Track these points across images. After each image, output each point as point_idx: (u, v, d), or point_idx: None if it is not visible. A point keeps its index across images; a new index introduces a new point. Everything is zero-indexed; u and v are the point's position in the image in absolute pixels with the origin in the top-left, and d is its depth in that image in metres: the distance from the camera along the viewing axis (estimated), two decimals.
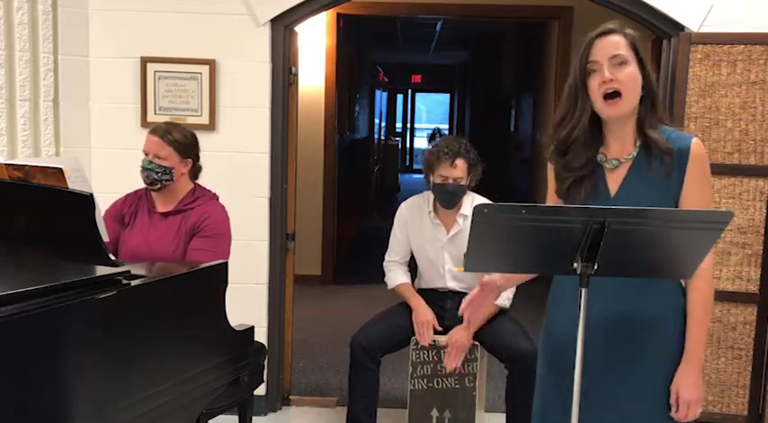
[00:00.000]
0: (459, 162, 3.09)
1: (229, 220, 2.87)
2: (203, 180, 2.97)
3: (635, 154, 1.97)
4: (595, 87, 1.91)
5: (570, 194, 1.99)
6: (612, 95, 1.90)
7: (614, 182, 1.98)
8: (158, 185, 2.79)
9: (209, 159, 3.27)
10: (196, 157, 2.89)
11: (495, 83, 10.92)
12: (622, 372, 1.96)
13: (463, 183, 3.13)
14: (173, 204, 2.85)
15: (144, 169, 2.78)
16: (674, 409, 1.94)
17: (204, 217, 2.79)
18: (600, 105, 1.92)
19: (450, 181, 3.10)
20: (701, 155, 1.96)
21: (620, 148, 1.99)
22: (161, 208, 2.85)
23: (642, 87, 1.94)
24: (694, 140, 1.96)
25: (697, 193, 1.94)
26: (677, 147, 1.94)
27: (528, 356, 2.87)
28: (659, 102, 2.00)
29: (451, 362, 3.12)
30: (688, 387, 1.92)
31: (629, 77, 1.90)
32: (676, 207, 1.95)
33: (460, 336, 3.11)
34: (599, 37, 1.92)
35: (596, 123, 1.98)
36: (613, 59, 1.90)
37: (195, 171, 2.92)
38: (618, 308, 1.95)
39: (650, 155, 1.95)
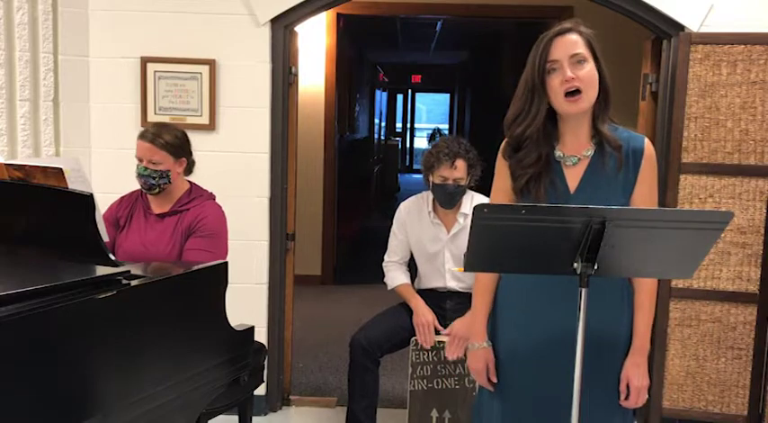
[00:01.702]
0: (459, 163, 3.10)
1: (226, 220, 2.86)
2: (204, 180, 2.97)
3: (592, 150, 2.02)
4: (556, 86, 1.94)
5: (529, 191, 2.01)
6: (574, 93, 1.94)
7: (573, 178, 2.02)
8: (156, 190, 2.78)
9: (209, 159, 3.28)
10: (189, 155, 2.88)
11: (495, 83, 10.90)
12: (593, 371, 1.97)
13: (463, 183, 3.13)
14: (169, 205, 2.84)
15: (140, 175, 2.77)
16: (623, 397, 2.04)
17: (200, 217, 2.78)
18: (560, 102, 1.95)
19: (450, 181, 3.10)
20: (652, 155, 2.04)
21: (577, 144, 2.03)
22: (157, 209, 2.85)
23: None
24: (647, 141, 2.04)
25: (647, 191, 2.02)
26: (632, 146, 2.00)
27: None
28: (610, 99, 2.03)
29: (453, 351, 3.11)
30: (638, 376, 2.03)
31: (589, 75, 1.94)
32: (628, 204, 2.01)
33: (461, 327, 3.11)
34: (557, 36, 1.95)
35: (550, 120, 2.02)
36: (573, 58, 1.93)
37: (189, 167, 2.90)
38: (574, 316, 1.95)
39: (606, 152, 2.00)
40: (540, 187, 2.00)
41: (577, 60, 1.93)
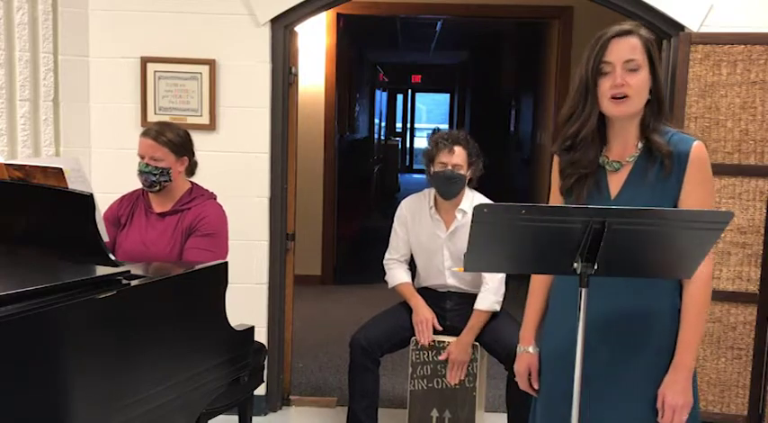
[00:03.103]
0: (458, 149, 3.11)
1: (227, 219, 2.87)
2: (204, 180, 2.97)
3: (636, 156, 1.98)
4: (605, 89, 1.91)
5: (573, 192, 2.00)
6: (620, 97, 1.91)
7: (615, 184, 1.99)
8: (157, 187, 2.79)
9: (209, 159, 3.27)
10: (191, 154, 2.89)
11: (495, 83, 10.91)
12: (619, 370, 1.97)
13: (462, 171, 3.12)
14: (170, 204, 2.84)
15: (141, 172, 2.78)
16: (660, 414, 1.94)
17: (201, 216, 2.79)
18: (606, 104, 1.93)
19: (449, 167, 3.10)
20: (700, 158, 1.95)
21: (622, 149, 1.99)
22: (158, 208, 2.85)
23: (650, 91, 1.94)
24: (695, 144, 1.95)
25: (694, 196, 1.93)
26: (678, 150, 1.94)
27: None
28: (666, 106, 2.00)
29: (454, 377, 3.15)
30: (674, 393, 1.92)
31: (640, 83, 1.90)
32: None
33: (458, 352, 3.12)
34: (616, 37, 1.91)
35: (602, 122, 1.99)
36: (627, 64, 1.89)
37: (191, 167, 2.91)
38: (614, 307, 1.96)
39: (652, 158, 1.95)
40: (582, 189, 1.98)
41: (631, 67, 1.89)
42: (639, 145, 1.98)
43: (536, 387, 2.14)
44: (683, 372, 1.93)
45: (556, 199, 2.11)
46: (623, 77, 1.89)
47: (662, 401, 1.93)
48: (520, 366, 2.17)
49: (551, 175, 2.13)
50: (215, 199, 2.92)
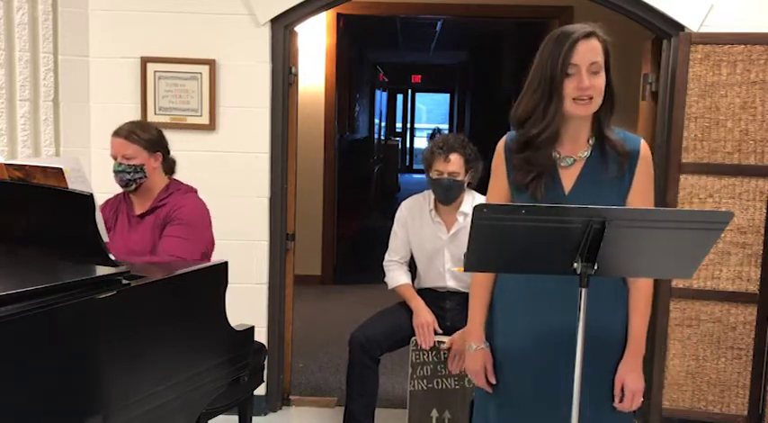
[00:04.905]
0: (454, 157, 3.10)
1: (207, 211, 2.83)
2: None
3: (588, 153, 2.02)
4: (570, 90, 1.94)
5: (528, 188, 2.01)
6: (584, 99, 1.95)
7: (568, 180, 2.03)
8: (134, 186, 2.77)
9: (209, 159, 3.28)
10: (165, 150, 2.85)
11: (495, 83, 10.91)
12: (586, 367, 1.98)
13: (459, 178, 3.12)
14: (149, 203, 2.81)
15: (116, 173, 2.76)
16: (617, 400, 2.04)
17: (175, 208, 2.75)
18: (569, 104, 1.96)
19: (445, 175, 3.10)
20: (647, 156, 2.05)
21: (573, 146, 2.03)
22: (138, 209, 2.83)
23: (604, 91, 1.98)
24: (642, 142, 2.05)
25: (642, 192, 2.03)
26: (627, 149, 2.01)
27: None
28: (615, 105, 2.04)
29: (456, 366, 3.13)
30: (633, 379, 2.03)
31: (602, 85, 1.96)
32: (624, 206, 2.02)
33: (462, 342, 3.11)
34: (582, 39, 1.94)
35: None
36: (592, 66, 1.94)
37: (169, 165, 2.89)
38: (572, 316, 1.95)
39: (605, 155, 2.01)
40: (540, 186, 2.00)
41: (594, 70, 1.93)
42: (591, 141, 2.03)
43: (493, 381, 2.13)
44: (637, 358, 2.05)
45: (501, 190, 2.10)
46: (589, 79, 1.93)
47: (621, 387, 2.03)
48: (475, 364, 2.14)
49: (493, 167, 2.13)
50: (195, 192, 2.88)
